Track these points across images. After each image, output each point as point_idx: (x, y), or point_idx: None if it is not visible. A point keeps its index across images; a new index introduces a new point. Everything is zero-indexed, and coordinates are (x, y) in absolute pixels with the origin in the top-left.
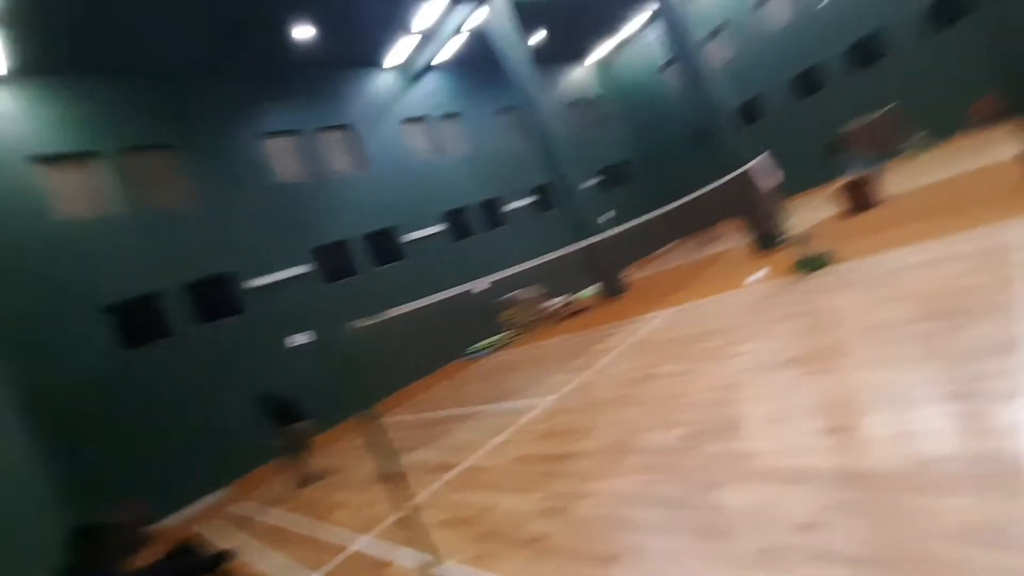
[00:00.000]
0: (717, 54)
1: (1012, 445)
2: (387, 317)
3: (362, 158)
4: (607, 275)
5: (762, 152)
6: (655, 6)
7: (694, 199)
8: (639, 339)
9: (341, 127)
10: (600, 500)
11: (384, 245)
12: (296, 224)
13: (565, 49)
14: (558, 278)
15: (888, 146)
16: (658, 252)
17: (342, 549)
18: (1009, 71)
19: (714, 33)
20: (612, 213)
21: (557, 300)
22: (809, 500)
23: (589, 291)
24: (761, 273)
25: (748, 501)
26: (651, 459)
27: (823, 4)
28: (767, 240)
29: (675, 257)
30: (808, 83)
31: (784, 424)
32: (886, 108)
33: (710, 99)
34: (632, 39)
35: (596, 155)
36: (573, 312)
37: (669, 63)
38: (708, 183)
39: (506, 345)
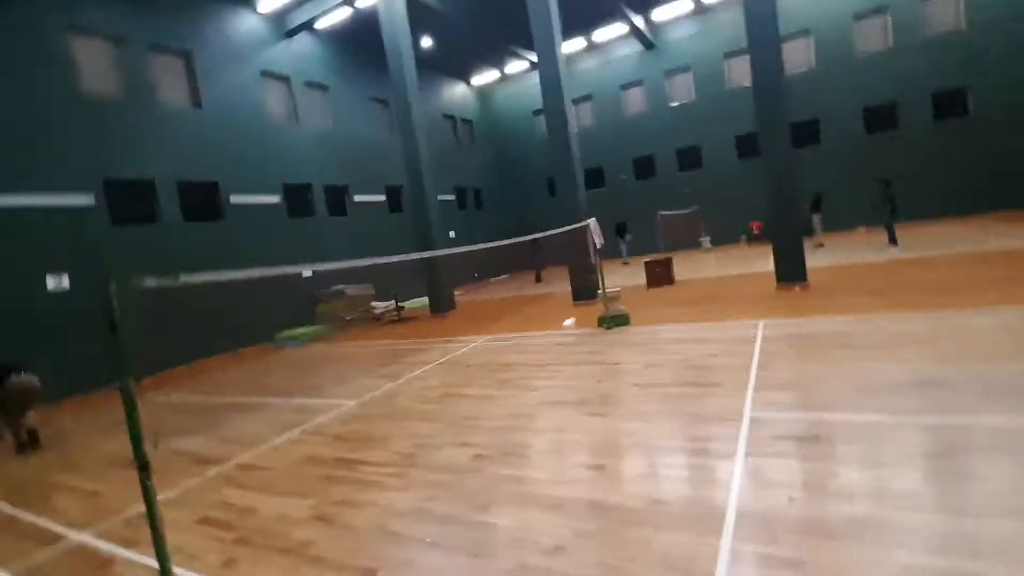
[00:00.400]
0: (581, 117)
1: (720, 495)
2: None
3: (197, 95)
4: (439, 290)
5: (595, 215)
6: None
7: (534, 239)
8: (454, 358)
9: (180, 53)
10: (376, 512)
11: (201, 199)
12: (90, 144)
13: (450, 64)
14: (390, 282)
15: (687, 238)
16: (490, 279)
17: (55, 541)
18: (770, 204)
19: (582, 99)
20: (451, 234)
21: (384, 304)
22: (563, 526)
23: (417, 302)
24: (571, 321)
25: (514, 523)
26: (437, 475)
27: (674, 104)
28: (585, 292)
29: (503, 288)
30: (646, 167)
31: (559, 456)
32: (691, 208)
33: (567, 156)
34: (515, 77)
35: (455, 173)
36: (397, 319)
37: (541, 112)
38: (550, 228)
39: (320, 338)
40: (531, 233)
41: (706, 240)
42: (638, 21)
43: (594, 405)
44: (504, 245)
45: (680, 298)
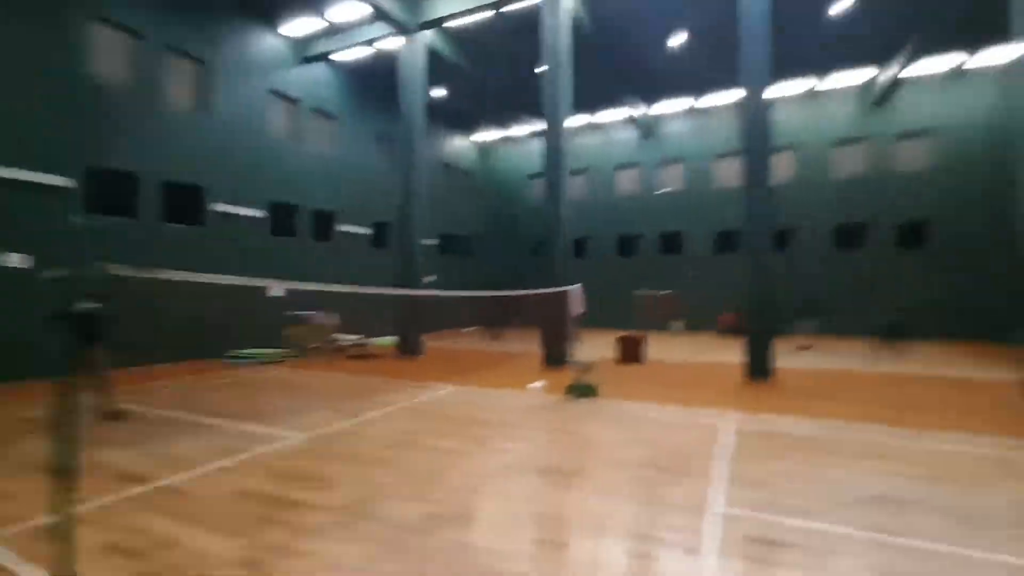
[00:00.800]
0: (574, 188)
1: None
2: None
3: (202, 101)
4: (411, 332)
5: (579, 283)
6: (543, 126)
7: (516, 296)
8: (418, 404)
9: (195, 58)
10: (312, 563)
11: (184, 203)
12: (82, 132)
13: (457, 116)
14: (362, 316)
15: (660, 319)
16: (464, 330)
17: None
18: (748, 301)
19: (577, 171)
20: (434, 277)
21: (352, 337)
22: None
23: (387, 340)
24: (540, 384)
25: None
26: (385, 530)
27: (660, 191)
28: (556, 357)
29: (475, 341)
30: (629, 245)
31: (514, 527)
32: (667, 291)
33: (557, 223)
34: (517, 139)
35: (444, 219)
36: (363, 355)
37: (538, 176)
38: (532, 288)
39: (278, 362)
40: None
41: (678, 324)
42: (639, 111)
43: (560, 476)
44: (478, 296)
45: (650, 377)
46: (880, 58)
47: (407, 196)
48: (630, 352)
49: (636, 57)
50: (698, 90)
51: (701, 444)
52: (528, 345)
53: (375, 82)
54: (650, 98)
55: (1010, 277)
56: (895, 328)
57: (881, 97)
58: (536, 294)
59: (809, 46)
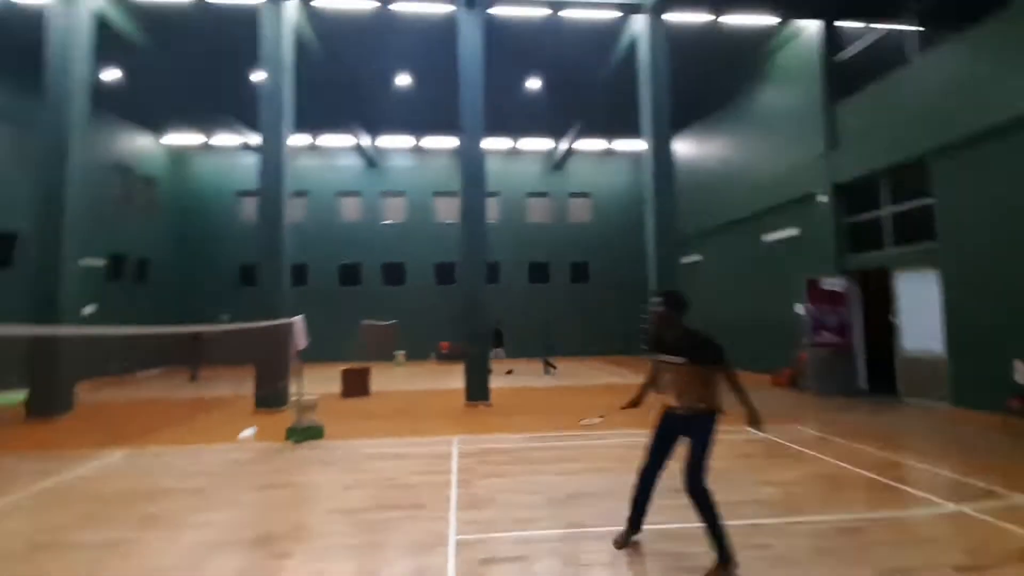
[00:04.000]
0: (293, 210)
1: None
2: None
3: None
4: (50, 382)
5: (300, 314)
6: (258, 138)
7: (216, 331)
8: (64, 485)
9: None
10: None
11: None
12: None
13: (139, 109)
14: None
15: (384, 349)
16: (137, 372)
17: None
18: (467, 329)
19: (297, 194)
20: (94, 307)
21: None
22: None
23: (10, 397)
24: (251, 431)
25: None
26: None
27: (385, 222)
28: (274, 398)
29: (157, 385)
30: (352, 275)
31: None
32: (391, 321)
33: (277, 247)
34: (223, 150)
35: (116, 236)
36: None
37: (249, 193)
38: (238, 320)
39: None
40: (202, 322)
41: (400, 354)
42: (365, 140)
43: (280, 542)
44: (167, 332)
45: (378, 410)
46: (557, 132)
47: (49, 200)
48: (355, 385)
49: (364, 89)
50: (421, 130)
51: (430, 473)
52: (237, 386)
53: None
54: (376, 130)
55: (640, 309)
56: (551, 348)
57: (558, 162)
58: (249, 328)
59: (510, 111)
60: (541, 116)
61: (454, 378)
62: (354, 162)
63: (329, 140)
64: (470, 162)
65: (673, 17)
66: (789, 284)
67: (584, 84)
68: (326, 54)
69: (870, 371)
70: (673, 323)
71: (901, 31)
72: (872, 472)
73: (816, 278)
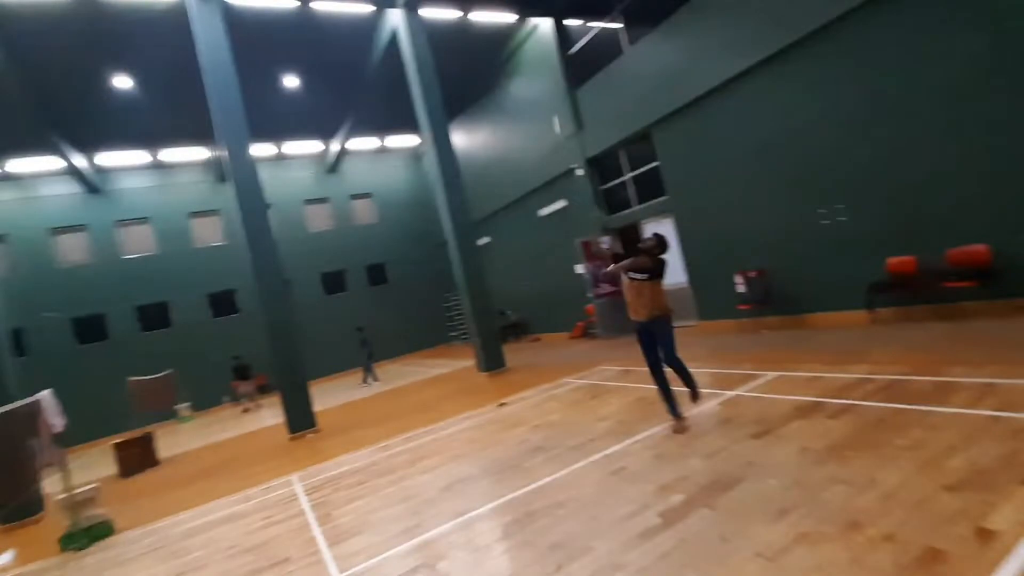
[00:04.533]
0: None
1: None
2: None
3: None
4: None
5: (43, 389)
6: None
7: None
8: None
9: None
10: None
11: None
12: None
13: None
14: None
15: (162, 406)
16: None
17: None
18: (274, 359)
19: None
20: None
21: None
22: None
23: None
24: (5, 558)
25: None
26: None
27: (130, 257)
28: (21, 509)
29: None
30: (94, 329)
31: None
32: (165, 372)
33: None
34: None
35: None
36: None
37: None
38: None
39: None
40: None
41: (184, 407)
42: (79, 161)
43: None
44: None
45: (180, 477)
46: (328, 133)
47: None
48: (137, 459)
49: (70, 98)
50: (158, 142)
51: (279, 523)
52: None
53: None
54: (93, 147)
55: (443, 299)
56: (372, 355)
57: (332, 165)
58: None
59: (271, 113)
60: (307, 117)
61: (263, 416)
62: (69, 189)
63: (25, 166)
64: (241, 172)
65: (428, 12)
66: (567, 250)
67: (350, 81)
68: (11, 61)
69: None
70: (653, 253)
71: (615, 27)
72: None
73: (588, 240)
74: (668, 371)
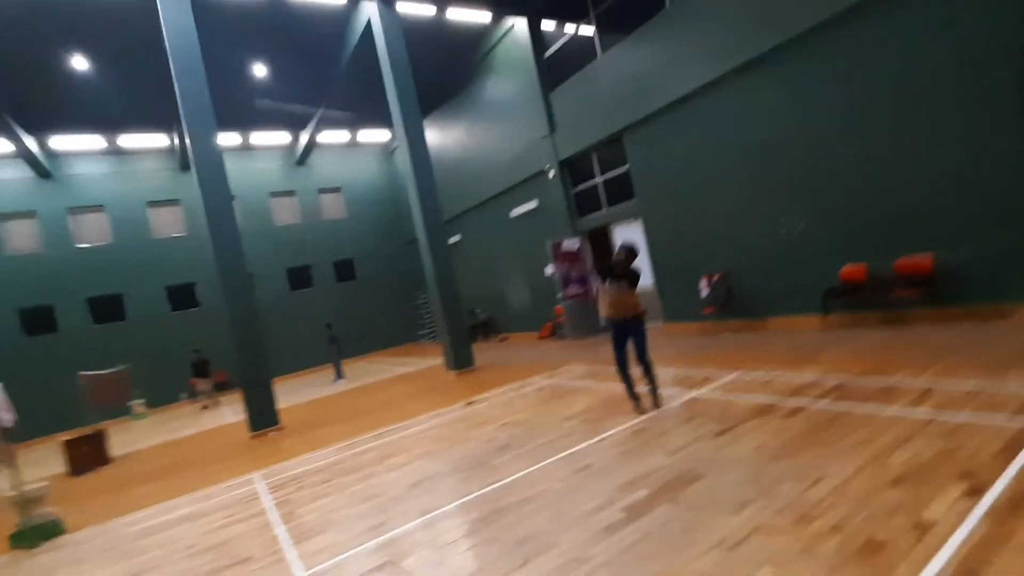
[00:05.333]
0: None
1: None
2: None
3: None
4: None
5: None
6: None
7: None
8: None
9: None
10: None
11: None
12: None
13: None
14: None
15: (116, 402)
16: None
17: None
18: (237, 353)
19: None
20: None
21: None
22: None
23: None
24: None
25: None
26: None
27: (84, 246)
28: None
29: None
30: (43, 322)
31: None
32: (118, 368)
33: None
34: None
35: None
36: None
37: None
38: None
39: None
40: None
41: (139, 403)
42: (29, 143)
43: None
44: None
45: (134, 476)
46: (296, 125)
47: None
48: (89, 456)
49: (21, 77)
50: (116, 127)
51: (241, 522)
52: None
53: None
54: (46, 129)
55: (412, 296)
56: (341, 352)
57: (301, 157)
58: None
59: (239, 103)
60: (276, 108)
61: (223, 413)
62: (19, 174)
63: None
64: (206, 162)
65: (403, 7)
66: (538, 250)
67: (322, 72)
68: None
69: None
70: (627, 261)
71: (589, 32)
72: (628, 391)
73: (558, 241)
74: (635, 373)
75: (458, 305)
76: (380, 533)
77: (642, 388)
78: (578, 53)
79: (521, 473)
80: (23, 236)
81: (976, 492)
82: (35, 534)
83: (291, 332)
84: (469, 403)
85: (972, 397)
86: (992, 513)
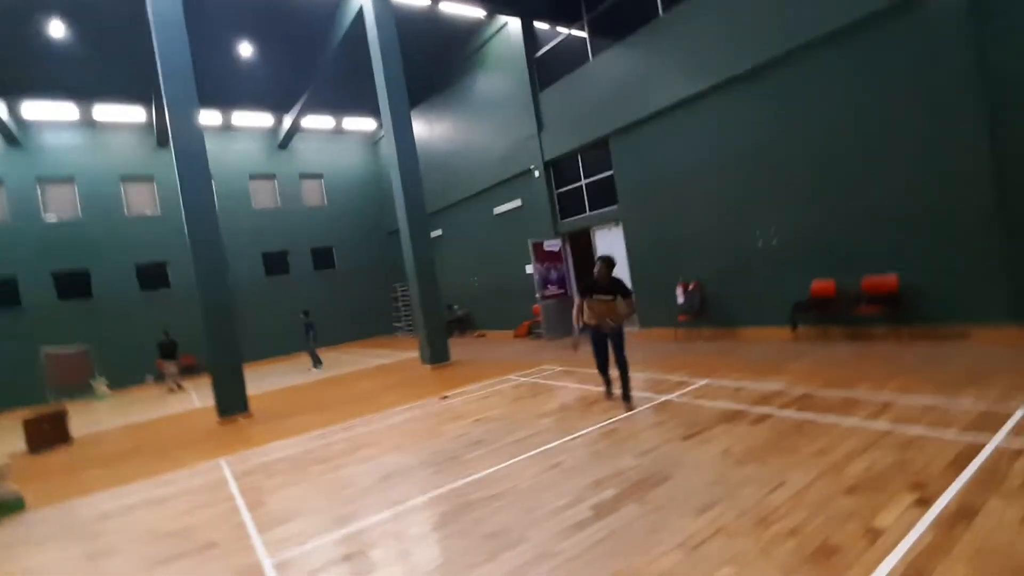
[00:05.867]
0: None
1: None
2: None
3: None
4: None
5: None
6: None
7: None
8: None
9: None
10: None
11: None
12: None
13: None
14: None
15: (77, 382)
16: None
17: None
18: (210, 337)
19: None
20: None
21: None
22: None
23: None
24: None
25: None
26: None
27: (51, 218)
28: None
29: None
30: (3, 293)
31: None
32: (79, 346)
33: None
34: None
35: None
36: None
37: None
38: None
39: None
40: None
41: (101, 382)
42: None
43: None
44: None
45: (95, 457)
46: (280, 107)
47: None
48: (49, 434)
49: None
50: (90, 97)
51: (206, 507)
52: None
53: None
54: (17, 96)
55: (390, 288)
56: (316, 339)
57: (284, 141)
58: None
59: (221, 80)
60: (260, 88)
61: (190, 398)
62: None
63: None
64: (185, 139)
65: None
66: (518, 249)
67: (309, 55)
68: None
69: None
70: (609, 274)
71: (581, 35)
72: (605, 387)
73: (540, 241)
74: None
75: (437, 299)
76: (348, 523)
77: (616, 390)
78: (569, 55)
79: (492, 469)
80: None
81: (925, 502)
82: None
83: (265, 318)
84: (444, 397)
85: (927, 412)
86: (938, 522)
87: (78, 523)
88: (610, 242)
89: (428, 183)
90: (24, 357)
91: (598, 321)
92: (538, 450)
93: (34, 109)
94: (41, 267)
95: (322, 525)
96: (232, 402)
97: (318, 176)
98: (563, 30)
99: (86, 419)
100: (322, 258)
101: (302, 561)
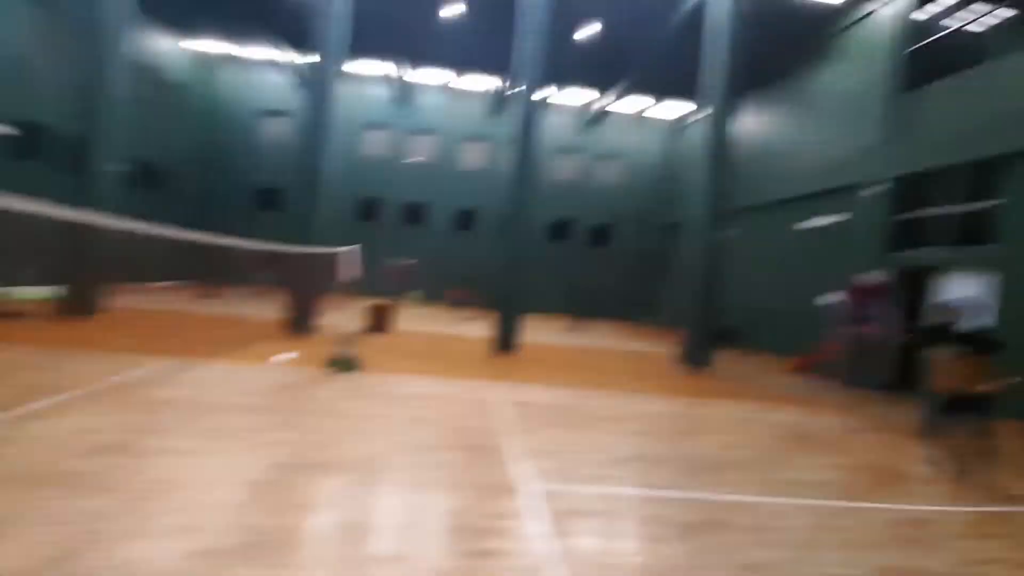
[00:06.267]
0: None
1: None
2: None
3: None
4: (79, 280)
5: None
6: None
7: (265, 251)
8: (112, 387)
9: None
10: None
11: None
12: None
13: (167, 8)
14: None
15: (402, 288)
16: (157, 284)
17: None
18: (501, 280)
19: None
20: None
21: None
22: None
23: (37, 291)
24: (288, 356)
25: None
26: None
27: (411, 160)
28: (303, 324)
29: (170, 299)
30: (369, 210)
31: (338, 545)
32: (411, 261)
33: (316, 177)
34: (250, 63)
35: (138, 141)
36: None
37: (278, 114)
38: (267, 237)
39: None
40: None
41: (416, 293)
42: (398, 72)
43: (357, 472)
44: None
45: (404, 349)
46: (598, 86)
47: (92, 98)
48: (379, 322)
49: (405, 18)
50: (459, 66)
51: (478, 418)
52: (256, 308)
53: None
54: (409, 61)
55: (656, 277)
56: (582, 311)
57: (594, 119)
58: (297, 252)
59: (556, 59)
60: (584, 69)
61: (467, 325)
62: (383, 94)
63: (359, 67)
64: (527, 113)
65: None
66: (822, 271)
67: (638, 39)
68: None
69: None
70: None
71: (979, 27)
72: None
73: (859, 275)
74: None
75: (715, 302)
76: (601, 483)
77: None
78: (956, 51)
79: (746, 498)
80: (377, 144)
81: None
82: (342, 364)
83: (540, 278)
84: (695, 404)
85: None
86: None
87: (392, 393)
88: (964, 291)
89: (734, 178)
90: (369, 261)
91: (954, 383)
92: (806, 501)
93: (417, 75)
94: (397, 197)
95: (579, 476)
96: (507, 341)
97: (616, 157)
98: (957, 20)
99: (401, 318)
100: (600, 235)
101: (562, 498)
